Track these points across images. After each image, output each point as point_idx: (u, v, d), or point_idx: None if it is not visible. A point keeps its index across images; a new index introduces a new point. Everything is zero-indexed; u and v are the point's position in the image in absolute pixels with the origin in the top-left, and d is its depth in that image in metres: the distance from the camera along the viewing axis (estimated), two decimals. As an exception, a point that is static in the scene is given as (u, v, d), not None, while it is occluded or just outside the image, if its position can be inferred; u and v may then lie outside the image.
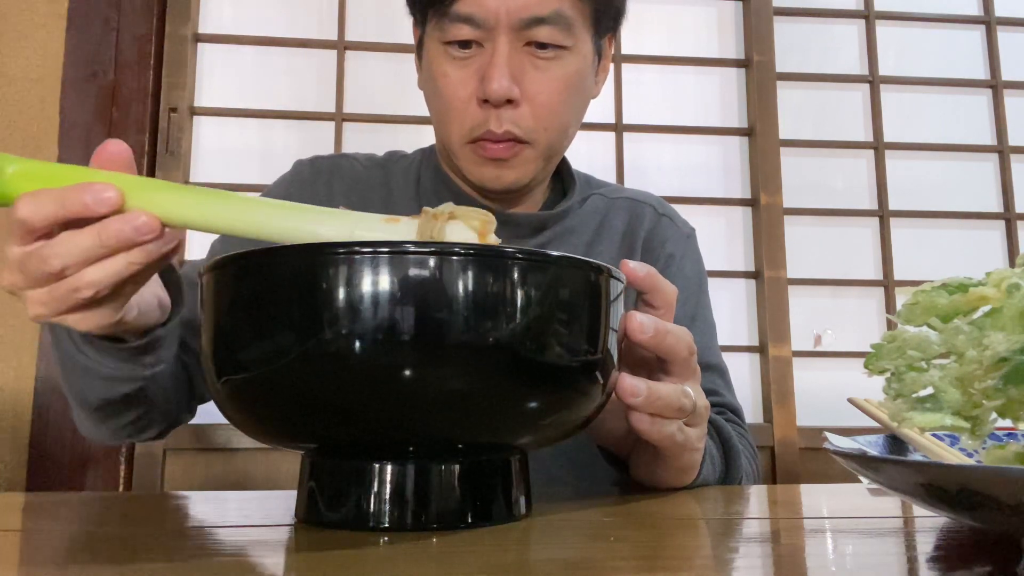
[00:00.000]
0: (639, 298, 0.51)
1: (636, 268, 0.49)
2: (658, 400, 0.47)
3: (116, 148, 0.47)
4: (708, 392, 0.76)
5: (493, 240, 0.46)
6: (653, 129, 1.78)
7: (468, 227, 0.44)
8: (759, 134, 1.78)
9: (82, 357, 0.58)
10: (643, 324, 0.47)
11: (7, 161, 0.46)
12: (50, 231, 0.45)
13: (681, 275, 0.86)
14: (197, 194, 0.46)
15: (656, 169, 1.76)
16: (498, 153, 0.74)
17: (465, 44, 0.73)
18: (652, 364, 0.51)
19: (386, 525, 0.38)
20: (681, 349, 0.50)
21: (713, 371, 0.83)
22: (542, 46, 0.73)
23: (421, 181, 0.85)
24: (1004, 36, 1.91)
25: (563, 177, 0.90)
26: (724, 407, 0.80)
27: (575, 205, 0.87)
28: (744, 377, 1.70)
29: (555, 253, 0.38)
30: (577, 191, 0.88)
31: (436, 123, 0.80)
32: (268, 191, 0.86)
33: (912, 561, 0.34)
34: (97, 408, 0.64)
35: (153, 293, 0.55)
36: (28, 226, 0.44)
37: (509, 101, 0.72)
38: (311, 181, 0.85)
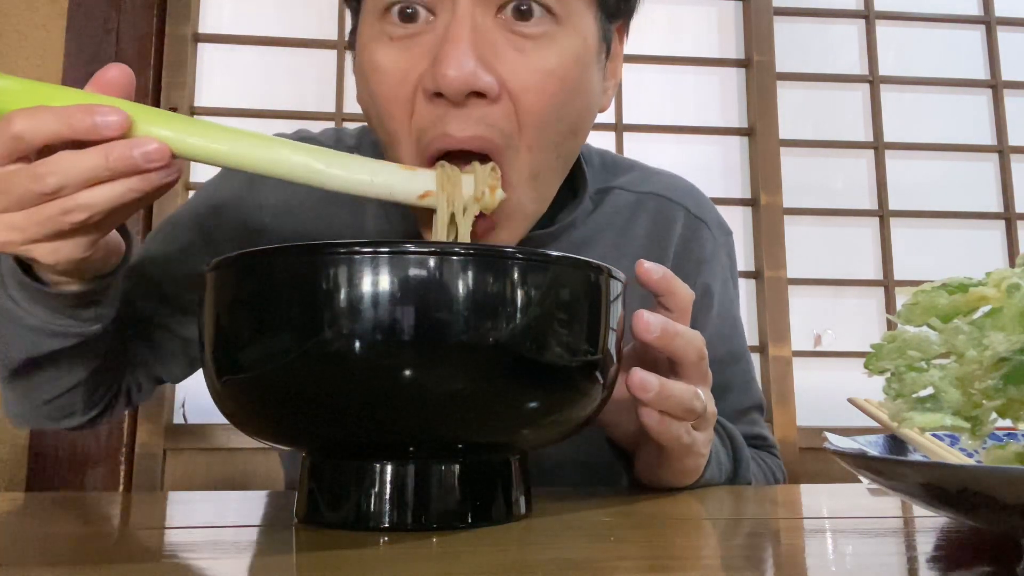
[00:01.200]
0: (656, 300, 0.50)
1: (651, 270, 0.47)
2: (669, 398, 0.46)
3: (116, 73, 0.45)
4: (755, 437, 0.73)
5: (500, 195, 0.50)
6: (653, 129, 1.78)
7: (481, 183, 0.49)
8: (759, 134, 1.78)
9: (9, 303, 0.52)
10: (649, 324, 0.46)
11: None
12: (41, 151, 0.43)
13: (721, 315, 0.74)
14: (204, 127, 0.45)
15: (656, 169, 1.76)
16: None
17: (410, 15, 0.52)
18: (663, 366, 0.50)
19: (386, 525, 0.38)
20: (690, 352, 0.48)
21: (756, 411, 0.76)
22: (524, 14, 0.51)
23: (389, 203, 0.73)
24: (1004, 36, 1.91)
25: (572, 170, 0.69)
26: (762, 439, 0.75)
27: (587, 207, 0.70)
28: (744, 377, 1.70)
29: (555, 253, 0.38)
30: (590, 185, 0.71)
31: (379, 141, 0.58)
32: (220, 175, 0.76)
33: (912, 561, 0.34)
34: (17, 371, 0.59)
35: (115, 234, 0.51)
36: (22, 143, 0.42)
37: (478, 95, 0.50)
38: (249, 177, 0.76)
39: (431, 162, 0.52)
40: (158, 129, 0.44)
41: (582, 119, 0.58)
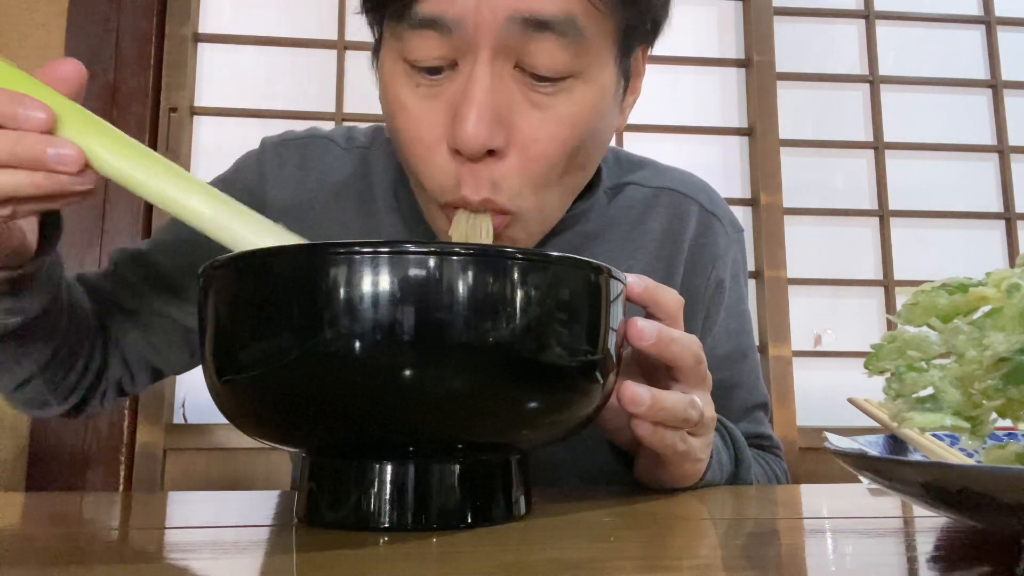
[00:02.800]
0: (645, 311, 0.49)
1: (632, 284, 0.46)
2: (662, 411, 0.46)
3: (68, 70, 0.45)
4: (759, 436, 0.73)
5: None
6: (653, 129, 1.78)
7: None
8: (759, 134, 1.78)
9: None
10: (643, 331, 0.45)
11: None
12: None
13: (731, 311, 0.74)
14: (133, 149, 0.44)
15: (656, 169, 1.76)
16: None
17: (434, 70, 0.53)
18: (661, 370, 0.49)
19: (386, 525, 0.38)
20: (687, 358, 0.48)
21: (761, 409, 0.75)
22: (541, 78, 0.52)
23: (398, 192, 0.70)
24: (1004, 36, 1.91)
25: None
26: (767, 438, 0.75)
27: (600, 200, 0.70)
28: (744, 377, 1.70)
29: (555, 253, 0.38)
30: (604, 180, 0.71)
31: (402, 163, 0.60)
32: (233, 169, 0.75)
33: (912, 561, 0.34)
34: None
35: (30, 231, 0.50)
36: None
37: (491, 152, 0.53)
38: (276, 167, 0.72)
39: (446, 206, 0.56)
40: (84, 138, 0.44)
41: (592, 156, 0.59)
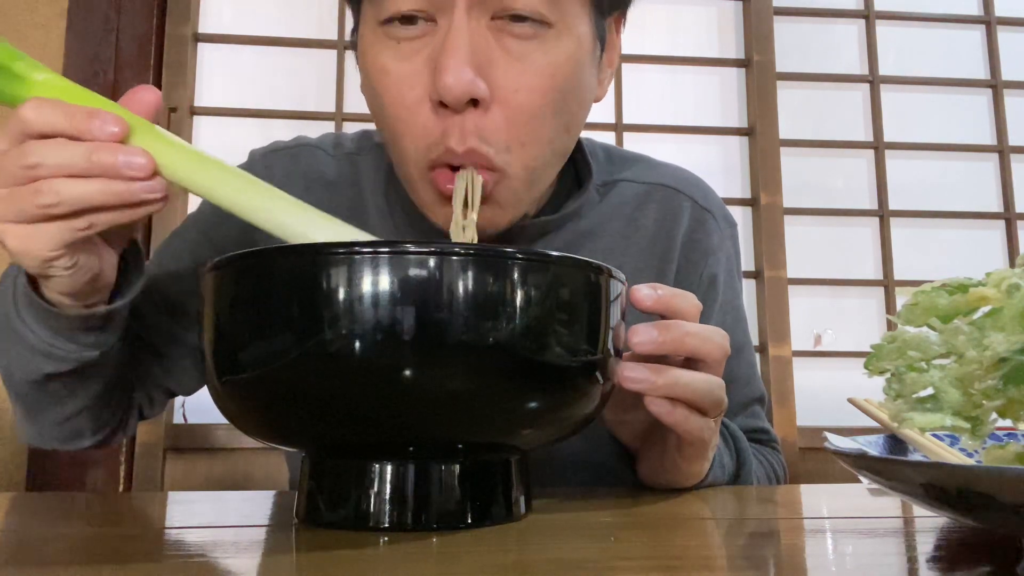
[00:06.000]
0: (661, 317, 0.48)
1: (645, 296, 0.46)
2: (682, 388, 0.45)
3: (148, 95, 0.47)
4: (756, 430, 0.73)
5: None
6: (653, 129, 1.78)
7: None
8: (759, 134, 1.78)
9: (19, 323, 0.53)
10: (642, 341, 0.45)
11: (37, 69, 0.47)
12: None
13: (725, 305, 0.75)
14: (204, 161, 0.46)
15: (656, 169, 1.76)
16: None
17: (409, 19, 0.54)
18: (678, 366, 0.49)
19: (386, 525, 0.38)
20: (711, 349, 0.47)
21: (758, 403, 0.75)
22: (519, 18, 0.53)
23: (389, 196, 0.70)
24: (1004, 36, 1.91)
25: (576, 162, 0.71)
26: (764, 432, 0.75)
27: (592, 198, 0.71)
28: (744, 377, 1.70)
29: (555, 253, 0.38)
30: (595, 177, 0.71)
31: (385, 139, 0.61)
32: None
33: (912, 561, 0.34)
34: (22, 395, 0.60)
35: (112, 265, 0.52)
36: (26, 127, 0.44)
37: (474, 102, 0.53)
38: (265, 178, 0.76)
39: (432, 166, 0.56)
40: (154, 147, 0.45)
41: (575, 115, 0.60)
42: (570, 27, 0.56)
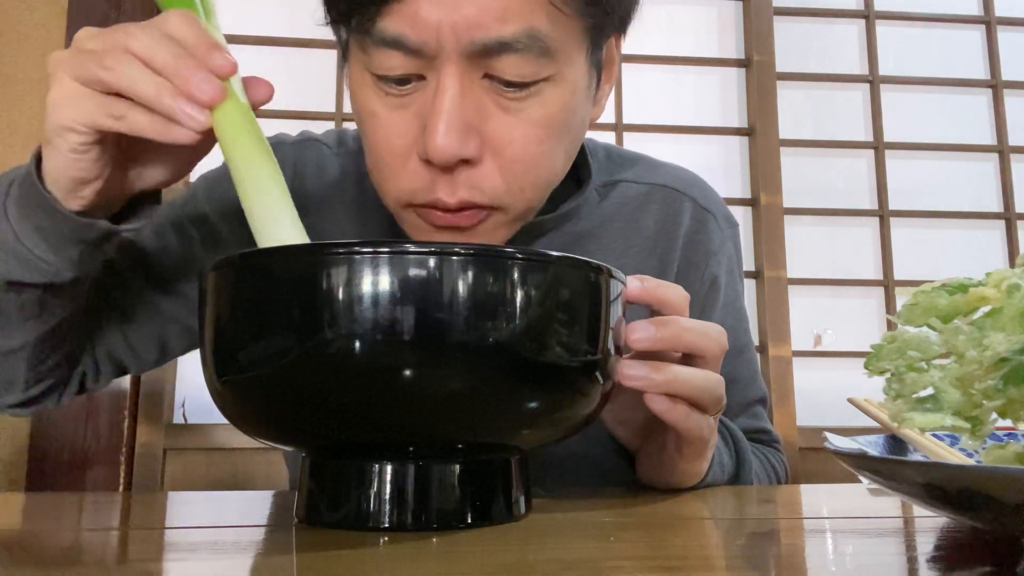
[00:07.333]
0: (650, 311, 0.48)
1: (631, 289, 0.45)
2: (681, 384, 0.45)
3: (261, 87, 0.49)
4: (758, 431, 0.73)
5: None
6: (653, 129, 1.78)
7: None
8: (759, 134, 1.78)
9: (1, 217, 0.52)
10: (640, 338, 0.44)
11: None
12: None
13: (727, 306, 0.74)
14: (255, 146, 0.47)
15: (656, 169, 1.76)
16: (454, 222, 0.55)
17: (402, 80, 0.53)
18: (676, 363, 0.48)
19: (386, 525, 0.38)
20: (708, 345, 0.47)
21: (759, 404, 0.75)
22: (509, 84, 0.52)
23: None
24: (1004, 36, 1.91)
25: (576, 162, 0.68)
26: (766, 432, 0.75)
27: (592, 198, 0.70)
28: (744, 377, 1.70)
29: (555, 253, 0.38)
30: (596, 178, 0.71)
31: (368, 168, 0.59)
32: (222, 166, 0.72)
33: (912, 561, 0.34)
34: None
35: (120, 186, 0.52)
36: (161, 23, 0.46)
37: (465, 160, 0.53)
38: None
39: (415, 206, 0.56)
40: (230, 110, 0.46)
41: (569, 151, 0.60)
42: (564, 75, 0.54)
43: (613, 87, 0.64)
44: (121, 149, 0.51)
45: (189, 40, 0.46)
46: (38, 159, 0.51)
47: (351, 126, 0.79)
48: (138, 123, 0.46)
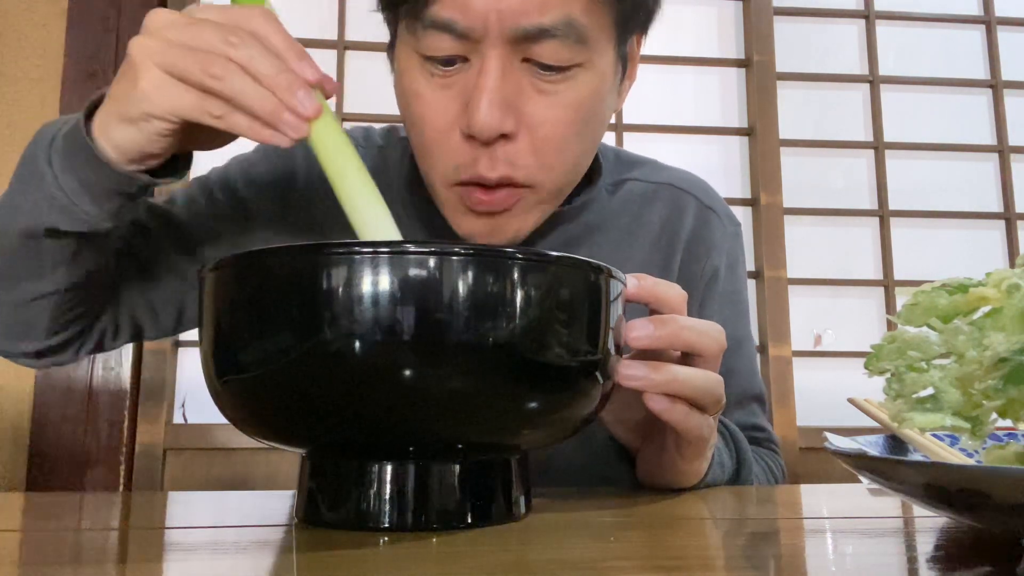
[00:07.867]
0: (649, 309, 0.48)
1: (628, 288, 0.45)
2: (680, 384, 0.45)
3: (328, 85, 0.50)
4: (753, 427, 0.73)
5: None
6: (653, 129, 1.78)
7: None
8: (759, 134, 1.78)
9: (45, 164, 0.52)
10: (639, 336, 0.45)
11: None
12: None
13: (725, 297, 0.76)
14: (346, 153, 0.48)
15: (656, 169, 1.76)
16: (493, 205, 0.60)
17: (448, 61, 0.57)
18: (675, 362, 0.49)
19: (386, 525, 0.38)
20: (707, 343, 0.47)
21: (756, 402, 0.76)
22: (546, 67, 0.57)
23: (413, 191, 0.71)
24: (1004, 36, 1.91)
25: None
26: (761, 430, 0.75)
27: (602, 195, 0.74)
28: (744, 377, 1.70)
29: (555, 253, 0.38)
30: (605, 176, 0.74)
31: (414, 151, 0.64)
32: (266, 150, 0.76)
33: (912, 561, 0.34)
34: (9, 248, 0.57)
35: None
36: (250, 23, 0.47)
37: (503, 135, 0.57)
38: (307, 159, 0.74)
39: (461, 183, 0.60)
40: (324, 117, 0.48)
41: (596, 134, 0.64)
42: (595, 63, 0.59)
43: (633, 83, 0.69)
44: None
45: (280, 47, 0.48)
46: (87, 115, 0.52)
47: (358, 126, 0.80)
48: (238, 124, 0.48)
